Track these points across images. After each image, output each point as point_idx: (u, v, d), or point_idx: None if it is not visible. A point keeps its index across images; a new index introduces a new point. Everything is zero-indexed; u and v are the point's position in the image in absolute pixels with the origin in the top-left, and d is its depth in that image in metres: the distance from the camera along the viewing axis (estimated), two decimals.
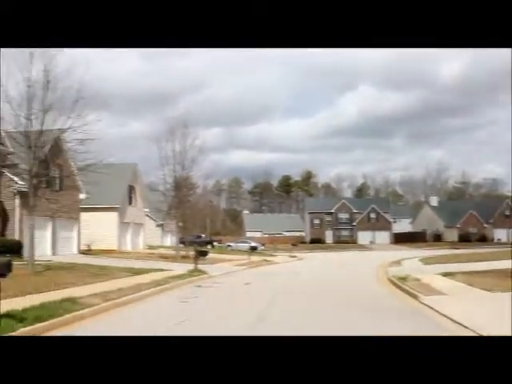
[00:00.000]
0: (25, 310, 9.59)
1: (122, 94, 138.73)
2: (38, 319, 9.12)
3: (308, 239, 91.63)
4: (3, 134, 26.78)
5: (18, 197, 27.65)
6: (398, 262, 31.59)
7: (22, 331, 8.24)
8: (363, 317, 10.82)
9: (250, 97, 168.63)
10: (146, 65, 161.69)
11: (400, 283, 17.18)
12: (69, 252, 32.50)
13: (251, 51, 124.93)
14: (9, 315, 8.91)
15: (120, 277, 18.62)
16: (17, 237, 27.50)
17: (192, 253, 27.26)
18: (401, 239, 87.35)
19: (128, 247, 43.88)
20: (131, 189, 46.33)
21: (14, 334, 7.94)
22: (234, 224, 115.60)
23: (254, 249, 43.95)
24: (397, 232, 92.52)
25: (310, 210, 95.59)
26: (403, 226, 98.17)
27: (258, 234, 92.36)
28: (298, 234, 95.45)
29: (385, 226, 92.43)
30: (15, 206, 27.93)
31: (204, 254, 28.84)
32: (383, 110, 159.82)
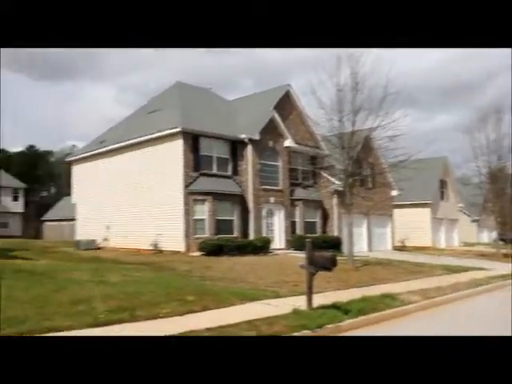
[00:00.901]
0: (349, 303, 10.10)
1: (426, 86, 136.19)
2: (361, 312, 9.50)
3: None
4: (319, 139, 29.18)
5: (335, 196, 29.72)
6: None
7: (348, 323, 8.70)
8: None
9: None
10: (448, 53, 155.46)
11: None
12: (383, 248, 33.38)
13: None
14: (335, 306, 9.53)
15: (436, 274, 18.14)
16: (336, 233, 29.56)
17: None
18: None
19: (442, 244, 42.68)
20: (442, 183, 44.97)
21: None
22: None
23: None
24: None
25: None
26: None
27: None
28: None
29: None
30: (333, 205, 30.09)
31: None
32: None
